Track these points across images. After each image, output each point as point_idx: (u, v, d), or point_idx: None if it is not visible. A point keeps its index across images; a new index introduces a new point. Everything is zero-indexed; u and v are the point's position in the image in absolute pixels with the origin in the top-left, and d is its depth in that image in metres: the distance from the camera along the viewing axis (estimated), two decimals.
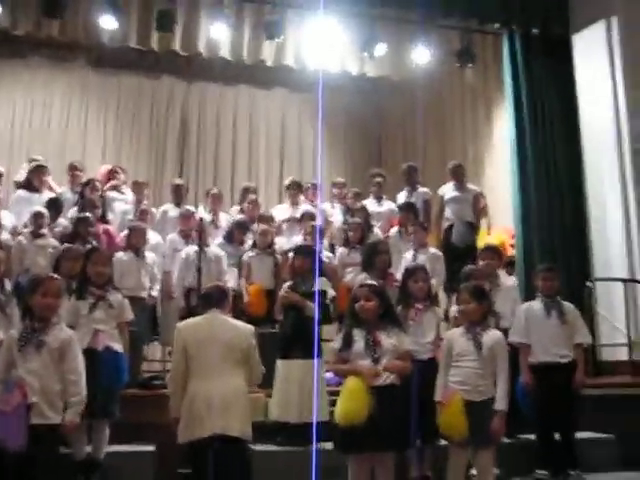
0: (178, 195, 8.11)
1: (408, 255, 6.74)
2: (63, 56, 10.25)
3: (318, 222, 7.47)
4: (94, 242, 6.49)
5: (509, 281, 5.85)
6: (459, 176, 7.81)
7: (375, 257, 5.71)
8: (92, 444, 4.58)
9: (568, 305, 5.22)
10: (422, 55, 8.33)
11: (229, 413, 3.86)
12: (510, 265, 6.92)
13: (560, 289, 5.31)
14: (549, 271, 5.35)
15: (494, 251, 5.95)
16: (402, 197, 8.13)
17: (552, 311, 5.10)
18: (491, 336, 4.28)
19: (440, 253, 6.77)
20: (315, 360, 4.91)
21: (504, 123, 8.58)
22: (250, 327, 4.23)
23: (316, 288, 5.22)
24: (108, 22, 7.50)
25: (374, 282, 4.39)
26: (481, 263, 5.74)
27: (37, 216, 6.54)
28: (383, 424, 3.83)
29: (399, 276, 5.53)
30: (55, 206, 7.08)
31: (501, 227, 8.55)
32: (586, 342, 5.13)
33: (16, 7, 7.54)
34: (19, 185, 7.72)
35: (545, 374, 4.93)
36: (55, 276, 4.23)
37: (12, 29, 7.76)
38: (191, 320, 4.27)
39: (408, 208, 7.41)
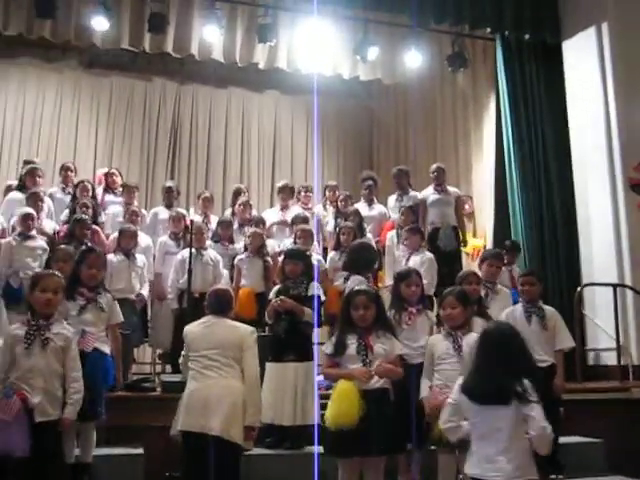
0: (169, 197, 8.08)
1: (402, 259, 6.75)
2: (55, 57, 10.23)
3: (312, 225, 7.46)
4: (89, 243, 6.45)
5: (505, 288, 5.88)
6: (439, 179, 7.82)
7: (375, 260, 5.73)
8: (80, 447, 4.56)
9: (550, 310, 5.22)
10: (414, 59, 8.36)
11: (211, 412, 3.90)
12: None
13: (542, 294, 5.31)
14: (528, 276, 5.37)
15: (499, 257, 5.97)
16: (392, 200, 8.14)
17: (533, 316, 5.12)
18: (471, 338, 4.30)
19: (432, 256, 6.77)
20: (315, 363, 4.94)
21: (492, 128, 8.64)
22: (250, 328, 4.28)
23: (315, 292, 5.31)
24: (100, 23, 7.48)
25: (369, 288, 4.40)
26: (486, 268, 5.74)
27: (26, 217, 6.47)
28: (373, 428, 3.83)
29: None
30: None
31: (480, 232, 8.65)
32: (566, 347, 5.12)
33: (8, 7, 7.51)
34: (8, 188, 7.68)
35: None
36: (55, 273, 4.25)
37: (4, 29, 7.72)
38: (195, 322, 4.35)
39: (409, 211, 7.41)
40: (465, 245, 7.87)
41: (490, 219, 8.52)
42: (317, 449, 4.30)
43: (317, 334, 5.33)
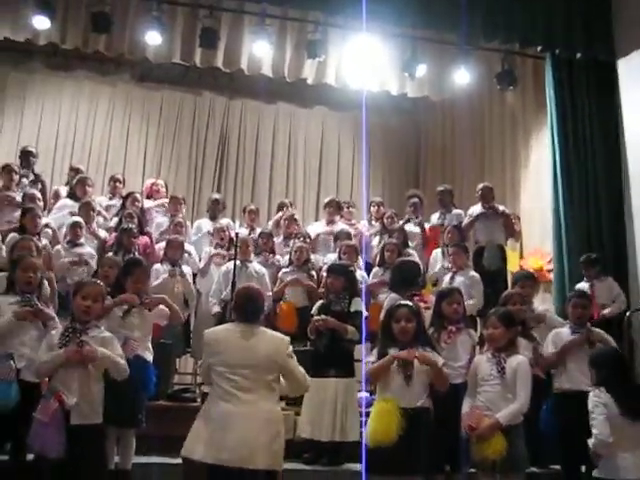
0: (214, 210, 8.19)
1: (446, 277, 6.69)
2: (108, 70, 10.48)
3: (355, 241, 7.45)
4: (136, 253, 6.55)
5: (542, 308, 5.79)
6: (487, 198, 7.74)
7: (418, 278, 5.68)
8: (119, 454, 4.60)
9: (598, 332, 5.10)
10: (463, 76, 8.31)
11: (254, 445, 3.52)
12: None
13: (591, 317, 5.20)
14: (580, 298, 5.25)
15: (531, 278, 5.88)
16: (435, 218, 8.12)
17: None
18: (515, 360, 4.23)
19: (478, 276, 6.69)
20: (363, 380, 4.83)
21: (542, 147, 8.51)
22: (286, 338, 3.92)
23: (361, 308, 5.31)
24: (153, 38, 7.63)
25: (410, 303, 4.37)
26: (517, 289, 5.65)
27: (74, 226, 6.63)
28: (412, 448, 3.79)
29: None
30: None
31: (538, 251, 8.45)
32: None
33: (65, 22, 7.73)
34: (56, 193, 7.86)
35: (570, 403, 4.76)
36: (97, 281, 4.33)
37: (61, 43, 7.96)
38: (221, 328, 3.94)
39: (455, 229, 7.35)
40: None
41: (541, 240, 8.34)
42: (364, 467, 4.22)
43: (364, 350, 5.28)
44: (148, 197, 8.22)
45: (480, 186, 7.89)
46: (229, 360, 3.67)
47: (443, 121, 10.96)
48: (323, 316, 5.28)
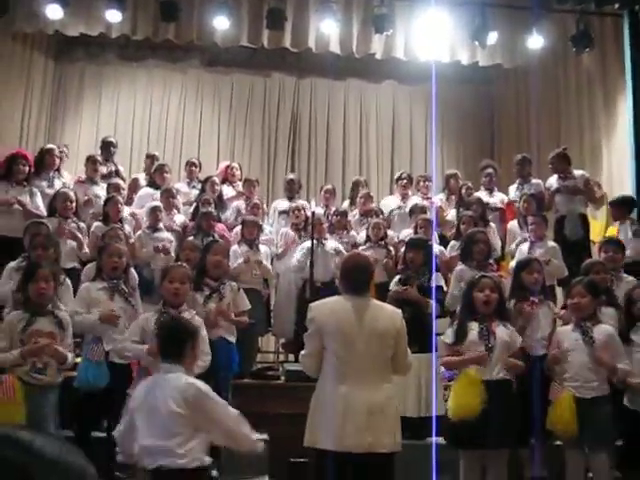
0: (291, 190, 8.24)
1: (524, 247, 6.56)
2: (178, 57, 10.67)
3: (431, 215, 7.38)
4: (216, 236, 6.69)
5: (630, 275, 5.59)
6: (559, 168, 7.44)
7: (473, 246, 5.58)
8: None
9: None
10: (536, 41, 8.06)
11: (379, 427, 3.29)
12: None
13: None
14: None
15: (617, 244, 5.70)
16: (513, 190, 7.91)
17: None
18: (602, 330, 4.15)
19: (557, 246, 6.54)
20: (433, 354, 4.81)
21: (624, 109, 8.19)
22: (399, 310, 3.61)
23: (436, 283, 5.27)
24: (220, 23, 7.72)
25: (489, 275, 4.34)
26: (604, 256, 5.50)
27: (154, 210, 6.81)
28: (495, 420, 3.77)
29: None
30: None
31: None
32: None
33: (135, 14, 7.92)
34: (134, 181, 8.08)
35: None
36: (181, 264, 4.48)
37: (132, 34, 8.17)
38: (328, 301, 3.53)
39: (531, 198, 7.18)
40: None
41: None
42: (435, 440, 4.25)
43: (435, 323, 5.26)
44: (224, 180, 8.34)
45: (549, 157, 7.60)
46: (345, 337, 3.34)
47: (517, 89, 10.67)
48: (407, 287, 5.25)
